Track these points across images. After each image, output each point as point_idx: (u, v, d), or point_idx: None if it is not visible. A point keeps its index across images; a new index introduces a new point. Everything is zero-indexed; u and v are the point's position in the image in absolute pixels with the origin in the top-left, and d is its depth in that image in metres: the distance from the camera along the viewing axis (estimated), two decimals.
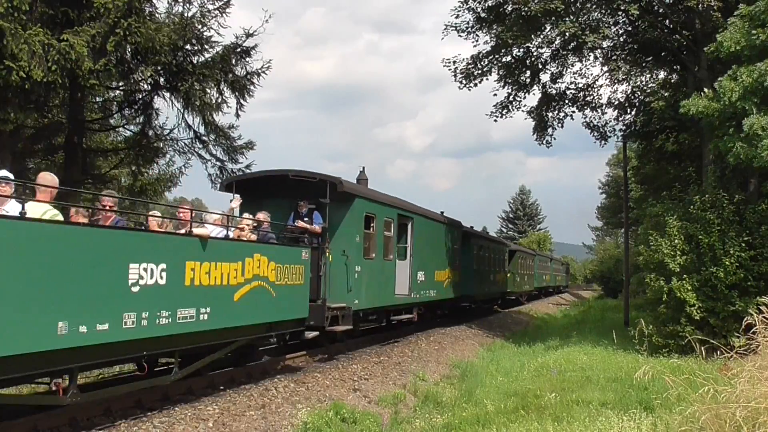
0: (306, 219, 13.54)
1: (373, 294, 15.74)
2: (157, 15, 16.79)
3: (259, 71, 18.63)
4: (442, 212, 23.83)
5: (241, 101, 18.68)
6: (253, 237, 11.41)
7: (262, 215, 12.23)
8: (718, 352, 9.22)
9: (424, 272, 19.48)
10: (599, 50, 22.77)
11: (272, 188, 14.14)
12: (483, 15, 22.81)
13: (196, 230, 9.42)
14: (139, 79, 16.64)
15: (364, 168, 18.22)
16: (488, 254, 30.41)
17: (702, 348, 8.09)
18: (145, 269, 7.94)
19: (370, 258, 15.54)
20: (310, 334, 12.87)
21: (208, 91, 17.76)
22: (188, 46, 17.17)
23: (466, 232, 26.11)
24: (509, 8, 21.25)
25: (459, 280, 24.28)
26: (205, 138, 19.51)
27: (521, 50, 23.00)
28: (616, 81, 23.72)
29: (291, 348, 14.35)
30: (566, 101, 25.08)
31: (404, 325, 20.21)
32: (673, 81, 25.26)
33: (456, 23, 23.40)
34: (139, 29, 14.52)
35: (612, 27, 22.20)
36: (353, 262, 14.40)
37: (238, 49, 18.19)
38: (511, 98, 24.59)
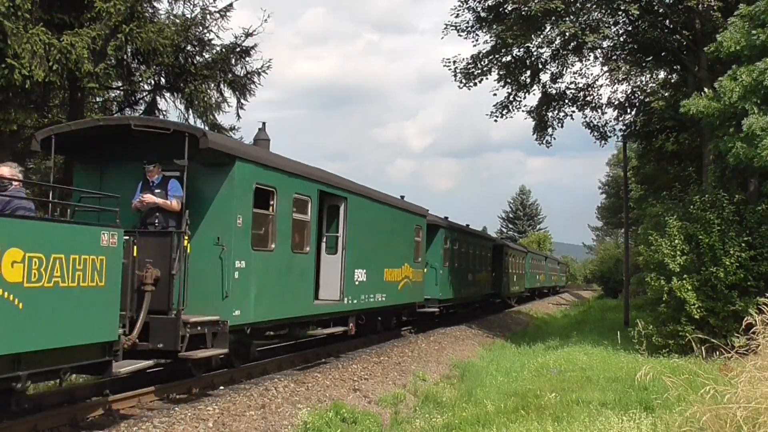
0: (158, 191, 9.61)
1: (273, 300, 11.36)
2: (158, 16, 16.81)
3: (259, 71, 18.63)
4: (402, 196, 19.72)
5: (242, 101, 18.68)
6: None
7: (6, 169, 7.93)
8: (718, 352, 9.24)
9: (366, 270, 15.34)
10: (599, 50, 22.81)
11: (114, 147, 10.32)
12: (483, 14, 22.84)
13: None
14: (139, 80, 16.65)
15: (264, 124, 13.58)
16: (466, 250, 26.10)
17: (702, 348, 8.10)
18: None
19: (266, 249, 11.19)
20: (125, 368, 8.40)
21: (209, 91, 17.77)
22: (189, 47, 17.17)
23: (434, 223, 22.01)
24: (509, 8, 21.26)
25: (422, 280, 20.20)
26: None
27: (521, 50, 23.02)
28: (616, 81, 23.77)
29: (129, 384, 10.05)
30: (566, 101, 25.11)
31: (339, 341, 15.89)
32: (673, 81, 25.28)
33: (456, 23, 23.46)
34: (141, 34, 14.51)
35: (612, 27, 22.22)
36: (233, 254, 10.02)
37: (238, 49, 18.18)
38: (511, 98, 24.61)
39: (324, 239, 14.11)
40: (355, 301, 14.79)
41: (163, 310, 9.06)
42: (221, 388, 10.81)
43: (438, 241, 22.17)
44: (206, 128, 18.12)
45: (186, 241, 9.36)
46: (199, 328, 9.51)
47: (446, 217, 24.44)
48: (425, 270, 20.47)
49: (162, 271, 9.03)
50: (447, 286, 22.88)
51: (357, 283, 14.90)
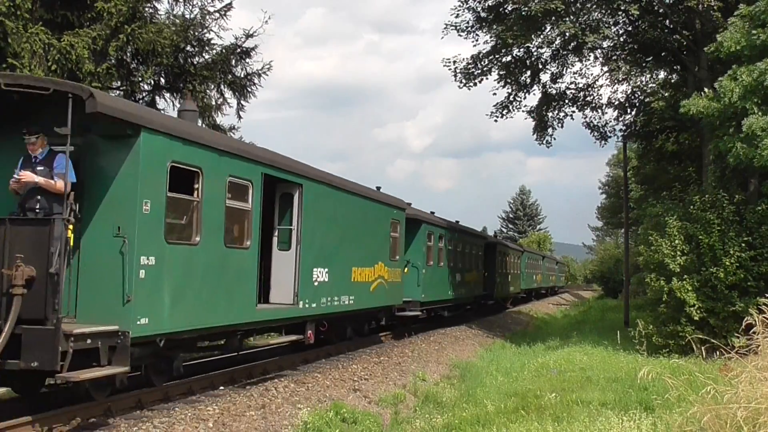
0: (41, 168, 7.96)
1: (198, 305, 9.42)
2: (158, 17, 16.81)
3: (260, 72, 18.63)
4: (378, 188, 18.00)
5: (242, 102, 18.68)
6: None
7: None
8: (718, 353, 9.24)
9: (329, 270, 13.44)
10: (599, 50, 22.81)
11: None
12: (483, 14, 22.84)
13: None
14: (139, 80, 16.65)
15: (191, 92, 12.25)
16: (454, 248, 24.18)
17: (702, 348, 8.10)
18: None
19: (188, 243, 9.28)
20: None
21: (209, 92, 17.77)
22: (189, 48, 17.18)
23: (415, 217, 20.01)
24: (509, 8, 21.26)
25: (401, 281, 18.34)
26: None
27: (521, 50, 23.02)
28: (616, 81, 23.75)
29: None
30: (566, 101, 25.11)
31: (290, 353, 14.34)
32: (673, 81, 25.28)
33: (456, 23, 23.45)
34: (142, 34, 14.51)
35: (612, 27, 22.22)
36: (137, 248, 8.13)
37: (238, 50, 18.19)
38: (511, 98, 24.61)
39: (276, 233, 12.21)
40: (314, 305, 12.74)
41: (38, 319, 7.24)
42: (221, 388, 10.81)
43: (420, 237, 20.22)
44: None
45: (71, 231, 7.54)
46: (88, 341, 7.56)
47: (433, 212, 23.24)
48: (405, 270, 18.81)
49: (38, 269, 7.23)
50: (431, 287, 20.98)
51: (317, 284, 12.89)
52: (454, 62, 23.59)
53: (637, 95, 25.02)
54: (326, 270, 13.35)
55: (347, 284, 14.56)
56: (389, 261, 17.18)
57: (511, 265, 36.51)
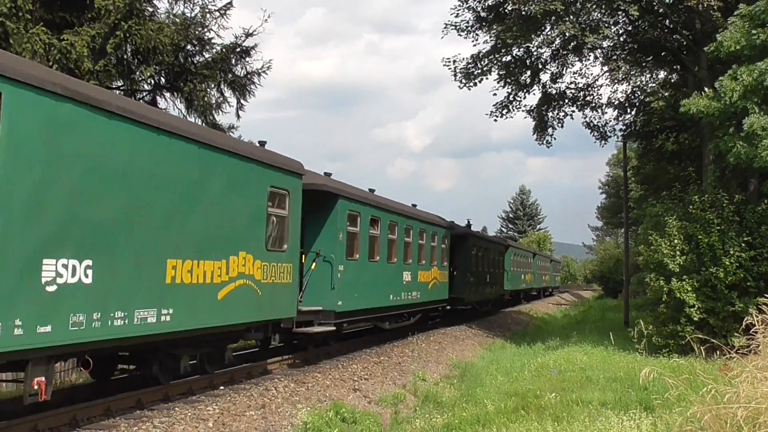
0: None
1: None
2: (157, 15, 16.81)
3: (259, 71, 18.63)
4: (263, 143, 12.32)
5: (242, 101, 18.67)
6: None
7: None
8: (718, 352, 9.25)
9: (101, 263, 7.77)
10: (599, 50, 22.80)
11: None
12: (483, 14, 22.84)
13: None
14: (140, 79, 16.66)
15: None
16: (398, 237, 18.09)
17: (702, 348, 8.10)
18: None
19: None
20: None
21: (209, 91, 17.77)
22: (189, 47, 17.18)
23: (325, 190, 14.00)
24: (509, 8, 21.26)
25: (292, 282, 12.32)
26: None
27: (521, 50, 23.03)
28: (616, 81, 23.77)
29: None
30: (566, 101, 25.11)
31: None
32: (673, 81, 25.29)
33: (456, 22, 23.46)
34: (140, 31, 14.53)
35: (612, 27, 22.22)
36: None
37: (238, 49, 18.19)
38: (511, 98, 24.62)
39: None
40: (42, 330, 6.89)
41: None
42: (221, 388, 10.81)
43: (337, 219, 14.18)
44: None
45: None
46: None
47: (372, 189, 17.90)
48: (313, 265, 13.78)
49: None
50: (355, 291, 15.01)
51: (52, 289, 7.00)
52: (454, 62, 23.61)
53: (637, 95, 25.03)
54: (88, 264, 7.52)
55: (155, 289, 8.66)
56: (265, 251, 11.34)
57: (491, 262, 30.56)
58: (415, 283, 19.52)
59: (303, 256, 13.62)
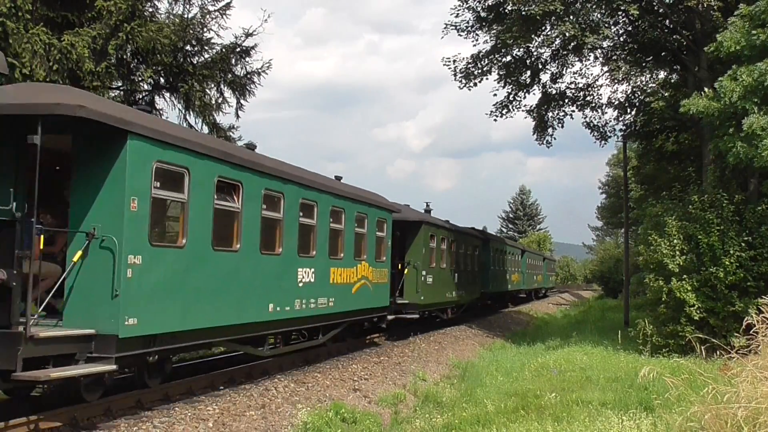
0: None
1: None
2: (157, 15, 16.81)
3: (259, 71, 18.63)
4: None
5: (241, 101, 18.67)
6: None
7: None
8: (718, 352, 9.25)
9: None
10: (599, 50, 22.80)
11: None
12: (483, 14, 22.84)
13: None
14: (139, 79, 16.66)
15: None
16: (292, 218, 12.40)
17: (702, 348, 8.10)
18: None
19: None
20: None
21: (208, 91, 17.77)
22: (188, 47, 17.18)
23: (107, 125, 7.87)
24: (509, 8, 21.26)
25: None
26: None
27: (521, 50, 23.02)
28: (616, 81, 23.77)
29: None
30: (566, 101, 25.11)
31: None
32: (673, 81, 25.29)
33: (456, 22, 23.46)
34: (141, 32, 14.53)
35: (612, 27, 22.22)
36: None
37: (238, 49, 18.20)
38: (511, 98, 24.62)
39: None
40: None
41: None
42: (221, 388, 10.81)
43: (118, 175, 8.17)
44: (206, 129, 18.16)
45: None
46: None
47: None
48: (76, 257, 8.16)
49: None
50: (171, 299, 9.04)
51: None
52: (454, 62, 23.60)
53: (637, 95, 25.03)
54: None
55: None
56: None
57: (462, 258, 25.05)
58: (324, 285, 13.61)
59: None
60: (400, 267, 19.13)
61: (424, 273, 19.87)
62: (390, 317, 18.05)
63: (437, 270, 21.56)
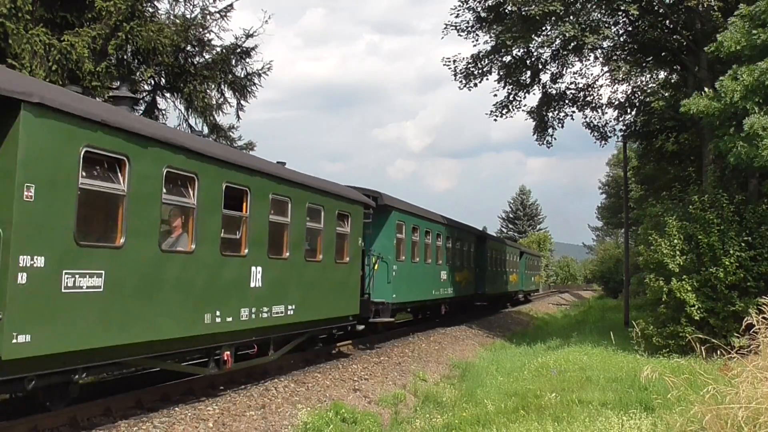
0: None
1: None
2: (158, 16, 16.82)
3: (260, 72, 18.65)
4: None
5: (242, 102, 18.69)
6: None
7: None
8: (719, 352, 9.23)
9: None
10: (599, 50, 22.81)
11: None
12: (483, 14, 22.84)
13: None
14: (140, 79, 16.66)
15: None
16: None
17: (702, 348, 8.09)
18: None
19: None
20: None
21: (209, 92, 17.78)
22: (189, 48, 17.19)
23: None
24: (509, 8, 21.28)
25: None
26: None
27: (521, 50, 23.03)
28: (616, 81, 23.77)
29: None
30: (566, 101, 25.12)
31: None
32: (673, 81, 25.30)
33: (456, 23, 23.47)
34: (141, 33, 14.53)
35: (612, 27, 22.22)
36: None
37: (238, 50, 18.21)
38: (511, 98, 24.63)
39: None
40: None
41: None
42: (221, 388, 10.81)
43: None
44: (206, 129, 18.15)
45: None
46: None
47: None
48: None
49: None
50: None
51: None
52: (454, 62, 23.62)
53: (637, 95, 25.04)
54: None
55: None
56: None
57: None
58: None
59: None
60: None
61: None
62: (359, 327, 15.58)
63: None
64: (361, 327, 15.61)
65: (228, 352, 10.14)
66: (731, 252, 15.26)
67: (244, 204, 10.47)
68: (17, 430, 7.54)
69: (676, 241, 15.94)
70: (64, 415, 8.12)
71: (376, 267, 16.86)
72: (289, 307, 11.67)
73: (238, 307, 10.14)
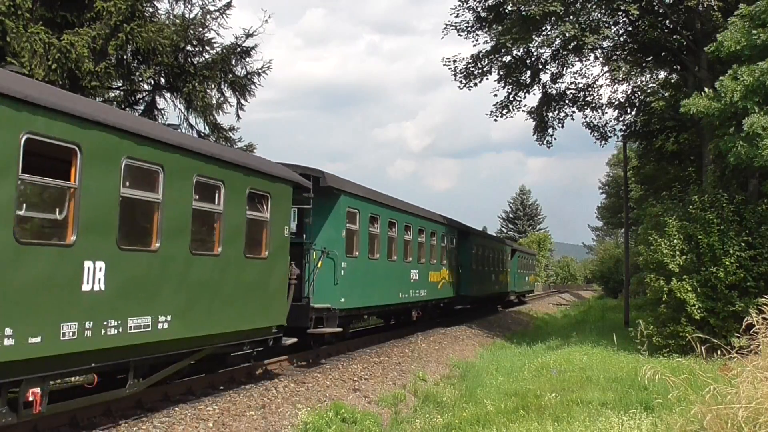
0: None
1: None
2: (158, 15, 16.82)
3: (260, 71, 18.64)
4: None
5: (242, 101, 18.67)
6: None
7: None
8: (719, 352, 9.24)
9: None
10: (599, 50, 22.81)
11: None
12: (483, 14, 22.85)
13: None
14: (139, 79, 16.66)
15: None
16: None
17: (702, 348, 8.09)
18: None
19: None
20: None
21: (209, 91, 17.77)
22: (189, 47, 17.19)
23: None
24: (509, 8, 21.28)
25: None
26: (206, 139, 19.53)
27: (521, 50, 23.04)
28: (616, 81, 23.78)
29: None
30: (566, 101, 25.12)
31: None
32: (673, 81, 25.30)
33: (456, 22, 23.48)
34: (141, 33, 14.53)
35: (612, 27, 22.23)
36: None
37: (238, 50, 18.20)
38: (511, 98, 24.63)
39: None
40: None
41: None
42: (221, 388, 10.81)
43: None
44: (207, 128, 18.14)
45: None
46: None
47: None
48: None
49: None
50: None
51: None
52: (454, 62, 23.62)
53: (637, 95, 25.05)
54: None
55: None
56: None
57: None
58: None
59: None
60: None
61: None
62: (287, 341, 12.06)
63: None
64: (290, 341, 12.16)
65: (35, 390, 6.94)
66: (731, 252, 15.26)
67: (73, 170, 7.18)
68: (17, 430, 7.53)
69: (676, 241, 15.93)
70: (64, 414, 8.12)
71: (319, 265, 13.89)
72: (161, 319, 8.43)
73: (56, 322, 6.90)
